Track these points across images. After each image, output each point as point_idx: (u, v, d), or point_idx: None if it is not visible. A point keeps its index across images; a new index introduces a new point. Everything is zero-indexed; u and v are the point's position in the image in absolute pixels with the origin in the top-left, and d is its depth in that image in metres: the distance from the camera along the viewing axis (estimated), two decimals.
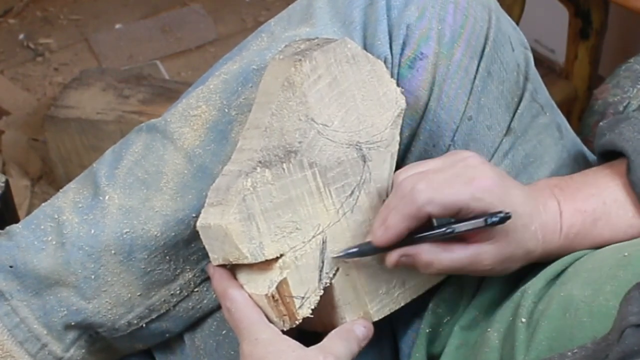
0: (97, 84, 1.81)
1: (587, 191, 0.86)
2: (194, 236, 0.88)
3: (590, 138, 1.10)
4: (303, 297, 0.81)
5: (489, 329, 0.85)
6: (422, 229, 0.81)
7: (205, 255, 0.85)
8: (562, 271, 0.85)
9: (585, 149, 1.00)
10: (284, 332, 0.81)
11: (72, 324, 0.92)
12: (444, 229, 0.80)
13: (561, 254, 0.86)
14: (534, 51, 1.05)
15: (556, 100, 1.00)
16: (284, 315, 0.81)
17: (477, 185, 0.79)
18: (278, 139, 0.81)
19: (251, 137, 0.82)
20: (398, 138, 0.87)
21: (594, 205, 0.86)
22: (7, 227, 0.94)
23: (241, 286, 0.82)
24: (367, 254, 0.84)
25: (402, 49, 0.88)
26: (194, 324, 0.96)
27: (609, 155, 0.90)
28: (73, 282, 0.91)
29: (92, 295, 0.91)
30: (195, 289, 0.93)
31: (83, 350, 0.95)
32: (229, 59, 0.92)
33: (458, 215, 0.80)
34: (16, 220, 1.09)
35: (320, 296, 0.83)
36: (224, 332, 0.95)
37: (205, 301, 0.94)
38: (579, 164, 0.97)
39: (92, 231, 0.90)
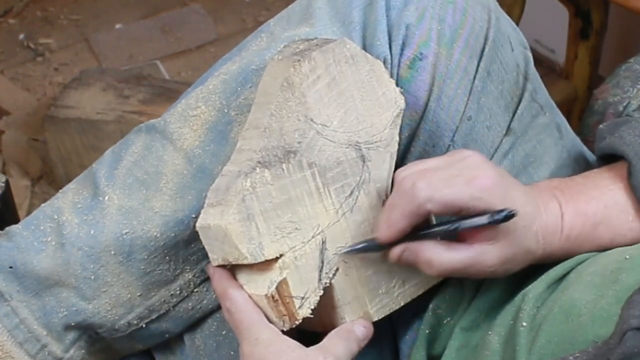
0: (97, 84, 1.81)
1: (588, 194, 0.86)
2: (194, 236, 0.88)
3: (590, 138, 1.09)
4: (303, 297, 0.81)
5: (489, 332, 0.85)
6: (427, 227, 0.82)
7: (205, 256, 0.85)
8: (564, 275, 0.85)
9: (585, 149, 1.00)
10: (283, 332, 0.81)
11: (72, 324, 0.92)
12: (448, 226, 0.80)
13: (562, 256, 0.86)
14: (534, 51, 1.05)
15: (556, 100, 1.00)
16: (284, 315, 0.81)
17: (477, 185, 0.79)
18: (277, 139, 0.81)
19: (250, 137, 0.82)
20: (397, 138, 0.87)
21: (595, 208, 0.86)
22: (7, 228, 0.94)
23: (241, 286, 0.82)
24: (372, 250, 0.84)
25: (402, 50, 0.88)
26: (194, 325, 0.96)
27: (609, 158, 0.90)
28: (73, 282, 0.91)
29: (91, 296, 0.91)
30: (195, 290, 0.93)
31: (83, 351, 0.95)
32: (228, 59, 0.92)
33: (459, 214, 0.80)
34: (16, 220, 1.09)
35: (320, 296, 0.83)
36: (223, 332, 0.95)
37: (205, 301, 0.94)
38: (579, 164, 0.97)
39: (92, 232, 0.90)
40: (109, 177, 0.92)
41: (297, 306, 0.81)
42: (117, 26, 2.30)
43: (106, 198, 0.91)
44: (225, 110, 0.89)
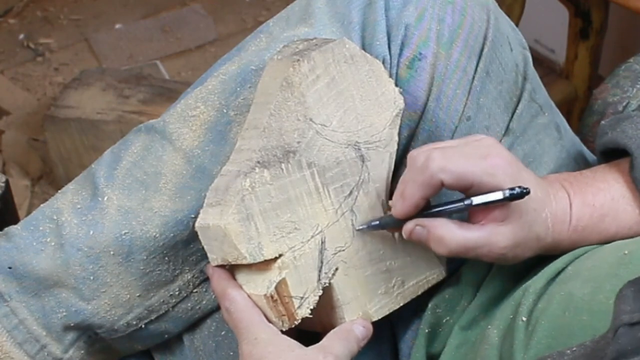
0: (97, 84, 1.81)
1: (596, 186, 0.87)
2: (193, 237, 0.88)
3: (590, 138, 1.10)
4: (302, 297, 0.81)
5: (489, 326, 0.85)
6: (439, 206, 0.82)
7: (205, 256, 0.85)
8: (563, 269, 0.85)
9: (584, 148, 1.00)
10: (283, 332, 0.81)
11: (71, 324, 0.92)
12: (461, 203, 0.80)
13: (569, 247, 0.86)
14: (533, 51, 1.05)
15: (556, 100, 1.00)
16: (283, 315, 0.81)
17: (490, 162, 0.79)
18: (276, 139, 0.81)
19: (250, 137, 0.82)
20: (397, 138, 0.87)
21: (602, 200, 0.86)
22: (6, 229, 0.94)
23: (240, 286, 0.82)
24: (388, 226, 0.85)
25: (401, 50, 0.88)
26: (193, 325, 0.96)
27: (611, 154, 0.90)
28: (72, 283, 0.91)
29: (91, 296, 0.91)
30: (195, 290, 0.93)
31: (82, 351, 0.95)
32: (227, 59, 0.92)
33: (470, 189, 0.80)
34: (16, 220, 1.09)
35: (319, 296, 0.83)
36: (223, 332, 0.95)
37: (204, 302, 0.94)
38: (578, 164, 0.97)
39: (91, 232, 0.90)
40: (108, 177, 0.92)
41: (296, 306, 0.81)
42: (117, 26, 2.30)
43: (105, 198, 0.91)
44: (225, 111, 0.89)
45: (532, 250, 0.84)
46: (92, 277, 0.91)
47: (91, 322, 0.92)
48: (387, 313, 0.88)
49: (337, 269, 0.84)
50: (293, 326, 0.82)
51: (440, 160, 0.79)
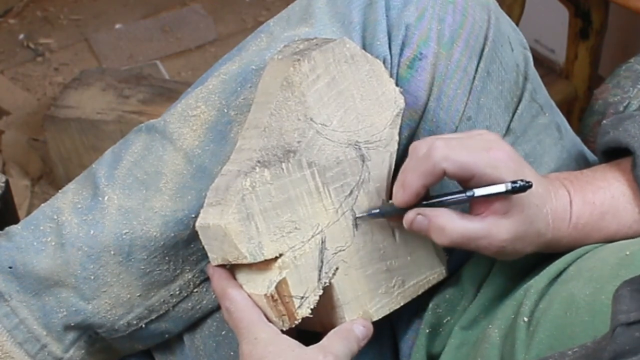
0: (97, 84, 1.81)
1: (596, 184, 0.87)
2: (194, 236, 0.88)
3: (591, 138, 1.10)
4: (302, 297, 0.81)
5: (490, 326, 0.85)
6: (441, 196, 0.82)
7: (205, 256, 0.85)
8: (564, 269, 0.85)
9: (585, 149, 1.00)
10: (283, 332, 0.81)
11: (72, 324, 0.92)
12: (464, 193, 0.80)
13: (569, 244, 0.86)
14: (534, 51, 1.05)
15: (556, 100, 1.00)
16: (283, 315, 0.81)
17: (493, 155, 0.80)
18: (277, 139, 0.81)
19: (250, 137, 0.82)
20: (397, 138, 0.87)
21: (603, 198, 0.86)
22: (7, 228, 0.94)
23: (240, 286, 0.82)
24: (388, 214, 0.85)
25: (402, 49, 0.88)
26: (194, 325, 0.96)
27: (612, 153, 0.90)
28: (72, 282, 0.91)
29: (91, 296, 0.91)
30: (195, 290, 0.93)
31: (82, 351, 0.95)
32: (228, 59, 0.92)
33: (471, 181, 0.80)
34: (16, 220, 1.09)
35: (320, 296, 0.83)
36: (223, 332, 0.95)
37: (204, 302, 0.94)
38: (579, 164, 0.97)
39: (92, 232, 0.90)
40: (108, 177, 0.92)
41: (296, 306, 0.81)
42: (117, 26, 2.30)
43: (106, 198, 0.91)
44: (225, 110, 0.89)
45: (532, 246, 0.84)
46: (92, 277, 0.91)
47: (92, 321, 0.92)
48: (388, 313, 0.88)
49: (337, 268, 0.84)
50: (293, 326, 0.82)
51: (443, 149, 0.79)
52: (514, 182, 0.78)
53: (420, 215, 0.81)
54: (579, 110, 1.76)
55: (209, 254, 0.82)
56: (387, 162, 0.87)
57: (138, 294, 0.92)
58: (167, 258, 0.91)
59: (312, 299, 0.82)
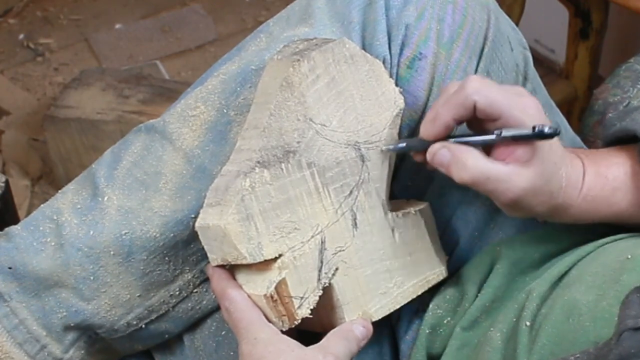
0: (97, 84, 1.81)
1: (610, 160, 0.87)
2: (193, 237, 0.88)
3: (591, 138, 1.10)
4: (302, 297, 0.81)
5: (491, 329, 0.85)
6: (466, 136, 0.82)
7: (205, 256, 0.85)
8: (566, 272, 0.85)
9: (585, 148, 1.00)
10: (283, 332, 0.81)
11: (72, 325, 0.92)
12: (488, 135, 0.80)
13: (575, 216, 0.86)
14: (534, 51, 1.05)
15: (556, 100, 1.00)
16: (283, 315, 0.81)
17: (524, 100, 0.80)
18: (276, 139, 0.81)
19: (250, 137, 0.82)
20: (397, 138, 0.87)
21: (616, 174, 0.87)
22: (6, 229, 0.94)
23: (240, 286, 0.82)
24: (414, 149, 0.85)
25: (401, 49, 0.88)
26: (194, 325, 0.96)
27: (619, 145, 0.90)
28: (72, 283, 0.91)
29: (91, 296, 0.91)
30: (195, 290, 0.93)
31: (82, 351, 0.95)
32: (227, 59, 0.92)
33: (498, 121, 0.80)
34: (16, 220, 1.09)
35: (319, 296, 0.83)
36: (223, 332, 0.95)
37: (204, 302, 0.94)
38: None
39: (91, 232, 0.90)
40: (108, 177, 0.92)
41: (296, 306, 0.81)
42: (117, 26, 2.30)
43: (105, 198, 0.91)
44: (225, 110, 0.89)
45: (542, 206, 0.83)
46: (92, 277, 0.91)
47: (91, 322, 0.92)
48: (387, 313, 0.88)
49: (337, 269, 0.84)
50: (293, 326, 0.81)
51: (477, 83, 0.80)
52: (542, 125, 0.78)
53: (445, 149, 0.81)
54: (579, 110, 1.76)
55: (208, 255, 0.82)
56: (387, 162, 0.87)
57: (138, 295, 0.92)
58: (166, 258, 0.91)
59: (312, 300, 0.82)
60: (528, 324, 0.81)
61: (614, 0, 1.47)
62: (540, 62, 2.01)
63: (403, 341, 0.95)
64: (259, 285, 0.81)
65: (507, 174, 0.80)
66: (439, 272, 0.91)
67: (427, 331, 0.92)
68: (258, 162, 0.80)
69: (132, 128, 0.95)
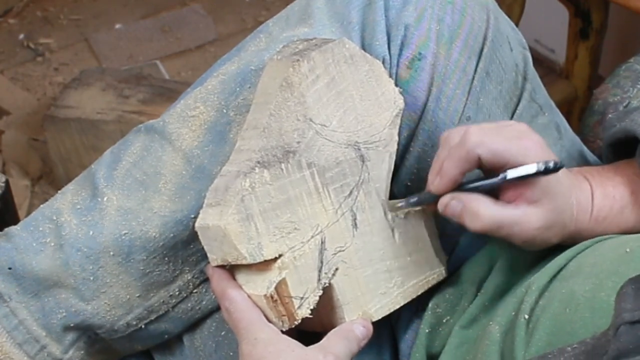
0: (97, 84, 1.81)
1: (616, 180, 0.88)
2: (193, 237, 0.88)
3: (591, 138, 1.10)
4: (302, 298, 0.81)
5: (490, 322, 0.85)
6: (474, 181, 0.82)
7: (204, 256, 0.85)
8: (565, 265, 0.85)
9: (584, 148, 1.00)
10: (283, 333, 0.81)
11: (71, 325, 0.92)
12: (494, 178, 0.81)
13: (588, 237, 0.86)
14: (533, 51, 1.05)
15: (556, 100, 1.00)
16: (283, 315, 0.81)
17: (525, 143, 0.81)
18: (276, 139, 0.81)
19: (249, 137, 0.82)
20: (396, 138, 0.87)
21: (623, 193, 0.87)
22: (6, 229, 0.94)
23: (240, 286, 0.82)
24: (425, 202, 0.85)
25: (401, 50, 0.88)
26: (193, 325, 0.96)
27: (619, 146, 0.90)
28: (72, 283, 0.91)
29: (90, 297, 0.91)
30: (194, 290, 0.93)
31: (82, 352, 0.95)
32: (227, 59, 0.92)
33: (503, 168, 0.80)
34: (16, 220, 1.09)
35: (320, 296, 0.83)
36: (223, 333, 0.95)
37: (204, 302, 0.94)
38: (578, 164, 0.97)
39: (91, 232, 0.90)
40: (107, 177, 0.91)
41: (296, 306, 0.81)
42: (117, 26, 2.30)
43: (105, 199, 0.91)
44: (224, 111, 0.89)
45: (557, 237, 0.84)
46: (91, 278, 0.91)
47: (91, 322, 0.92)
48: (387, 313, 0.88)
49: (337, 269, 0.84)
50: (293, 326, 0.81)
51: (478, 136, 0.80)
52: (546, 161, 0.79)
53: (455, 200, 0.82)
54: (579, 110, 1.76)
55: (208, 255, 0.82)
56: (387, 162, 0.87)
57: (137, 295, 0.92)
58: (166, 259, 0.91)
59: (312, 300, 0.82)
60: (526, 316, 0.81)
61: (614, 0, 1.47)
62: (540, 62, 2.01)
63: (403, 341, 0.95)
64: (259, 285, 0.81)
65: (519, 217, 0.81)
66: (438, 272, 0.91)
67: (427, 330, 0.92)
68: (258, 162, 0.80)
69: (132, 128, 0.95)
